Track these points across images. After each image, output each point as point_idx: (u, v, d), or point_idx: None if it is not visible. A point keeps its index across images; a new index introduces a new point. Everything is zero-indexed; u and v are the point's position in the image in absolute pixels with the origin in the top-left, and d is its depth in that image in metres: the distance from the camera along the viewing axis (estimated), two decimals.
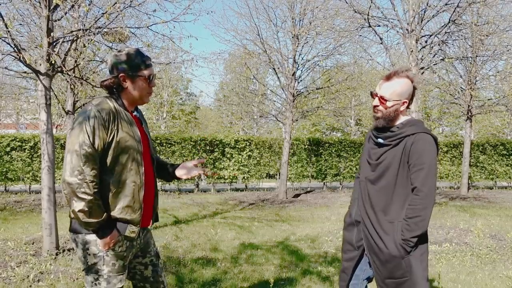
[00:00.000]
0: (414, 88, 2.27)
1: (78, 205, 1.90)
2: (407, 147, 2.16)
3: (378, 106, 2.27)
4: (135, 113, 2.21)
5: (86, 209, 1.91)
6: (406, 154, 2.16)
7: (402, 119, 2.28)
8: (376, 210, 2.23)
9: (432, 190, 2.11)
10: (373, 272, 2.31)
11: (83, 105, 9.58)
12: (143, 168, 2.11)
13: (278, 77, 12.33)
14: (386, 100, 2.23)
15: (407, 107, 2.28)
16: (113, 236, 2.01)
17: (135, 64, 2.08)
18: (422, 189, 2.10)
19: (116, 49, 2.15)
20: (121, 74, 2.08)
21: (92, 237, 2.01)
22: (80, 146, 1.91)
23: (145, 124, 2.33)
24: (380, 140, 2.29)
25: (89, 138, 1.92)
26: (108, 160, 2.00)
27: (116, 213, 2.03)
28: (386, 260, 2.17)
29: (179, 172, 2.37)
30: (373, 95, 2.30)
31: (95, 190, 1.93)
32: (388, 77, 2.25)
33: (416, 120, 2.28)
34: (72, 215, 1.97)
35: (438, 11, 8.77)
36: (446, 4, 8.62)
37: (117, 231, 2.04)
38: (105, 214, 1.98)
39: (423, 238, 2.17)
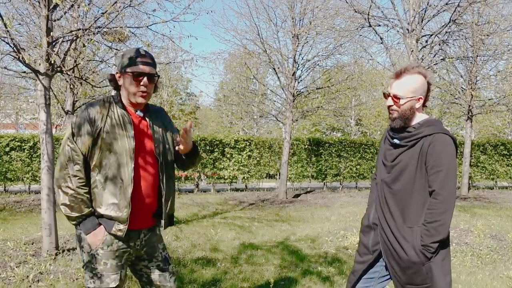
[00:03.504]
0: (429, 84, 2.17)
1: (62, 199, 1.99)
2: (424, 148, 2.07)
3: (392, 106, 2.18)
4: (138, 112, 2.17)
5: (68, 203, 1.98)
6: (423, 155, 2.07)
7: (419, 118, 2.18)
8: (394, 214, 2.15)
9: (452, 193, 2.02)
10: (390, 276, 2.24)
11: (83, 105, 9.59)
12: (132, 165, 2.05)
13: (278, 77, 12.31)
14: (399, 98, 2.14)
15: (424, 105, 2.18)
16: (98, 233, 2.03)
17: (125, 61, 2.10)
18: (441, 192, 2.01)
19: (117, 49, 2.20)
20: (116, 71, 2.14)
21: (85, 236, 2.05)
22: (65, 143, 2.01)
23: (160, 122, 2.25)
24: (396, 141, 2.20)
25: (72, 136, 2.01)
26: (95, 156, 2.03)
27: (101, 209, 2.04)
28: (406, 266, 2.09)
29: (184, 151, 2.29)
30: (385, 95, 2.22)
31: (79, 184, 1.99)
32: (398, 75, 2.16)
33: (434, 120, 2.17)
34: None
35: (438, 11, 8.76)
36: (446, 4, 8.60)
37: (104, 228, 2.05)
38: (88, 210, 2.02)
39: (444, 243, 2.08)
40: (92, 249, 2.04)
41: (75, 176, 1.98)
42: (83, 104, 9.47)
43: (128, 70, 2.08)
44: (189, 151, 2.26)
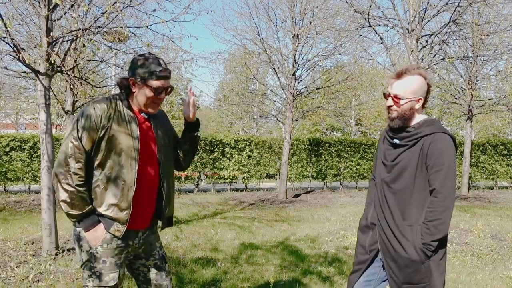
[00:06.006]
0: (429, 86, 2.19)
1: (62, 196, 1.98)
2: (425, 147, 2.09)
3: (392, 106, 2.19)
4: (142, 114, 2.17)
5: (69, 200, 1.98)
6: (424, 155, 2.09)
7: (418, 118, 2.20)
8: (394, 213, 2.16)
9: (452, 191, 2.04)
10: (387, 276, 2.25)
11: (83, 105, 9.58)
12: (136, 166, 2.07)
13: (278, 77, 12.32)
14: (399, 99, 2.15)
15: (423, 106, 2.20)
16: (97, 230, 2.03)
17: (146, 73, 2.06)
18: (441, 191, 2.03)
19: (138, 53, 2.16)
20: (130, 78, 2.09)
21: (84, 233, 2.04)
22: (68, 139, 1.99)
23: (161, 125, 2.26)
24: (396, 141, 2.22)
25: (77, 133, 1.99)
26: (100, 155, 2.02)
27: (102, 209, 2.04)
28: (405, 265, 2.10)
29: (188, 117, 2.30)
30: (385, 96, 2.23)
31: (79, 182, 1.98)
32: (399, 75, 2.17)
33: (433, 120, 2.19)
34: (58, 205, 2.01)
35: (438, 11, 8.77)
36: (446, 4, 8.62)
37: (103, 226, 2.05)
38: (88, 207, 2.02)
39: (442, 242, 2.10)
40: (92, 247, 2.04)
41: (75, 173, 1.97)
42: (83, 104, 9.46)
43: (150, 83, 2.07)
44: (193, 124, 2.31)
